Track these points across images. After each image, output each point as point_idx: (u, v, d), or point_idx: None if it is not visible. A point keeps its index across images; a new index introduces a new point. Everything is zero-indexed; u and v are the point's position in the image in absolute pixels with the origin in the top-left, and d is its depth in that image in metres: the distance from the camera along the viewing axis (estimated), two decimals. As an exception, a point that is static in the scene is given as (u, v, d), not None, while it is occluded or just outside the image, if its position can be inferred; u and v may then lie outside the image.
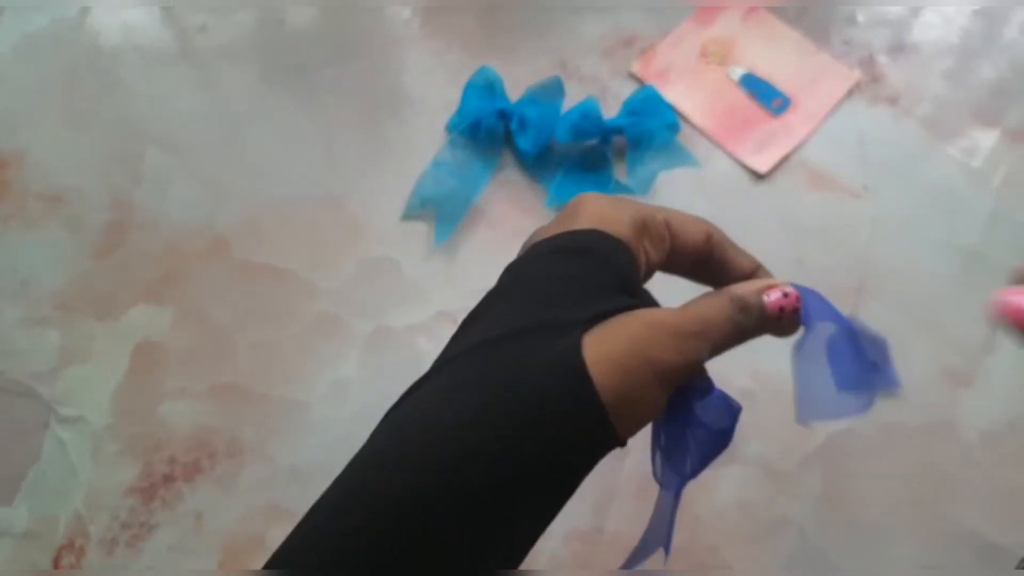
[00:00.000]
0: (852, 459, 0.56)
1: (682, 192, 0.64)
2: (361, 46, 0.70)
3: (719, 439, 0.26)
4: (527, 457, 0.22)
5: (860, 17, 0.69)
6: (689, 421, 0.26)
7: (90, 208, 0.65)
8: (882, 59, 0.68)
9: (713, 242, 0.28)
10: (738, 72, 0.68)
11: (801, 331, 0.26)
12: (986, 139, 0.64)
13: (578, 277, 0.25)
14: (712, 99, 0.67)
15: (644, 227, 0.27)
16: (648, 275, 0.28)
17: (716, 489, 0.55)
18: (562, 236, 0.26)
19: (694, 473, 0.26)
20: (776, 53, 0.68)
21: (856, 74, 0.67)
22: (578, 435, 0.23)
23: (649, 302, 0.27)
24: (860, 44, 0.68)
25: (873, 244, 0.62)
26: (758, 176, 0.64)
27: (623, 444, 0.24)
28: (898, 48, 0.68)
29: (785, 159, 0.64)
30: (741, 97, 0.67)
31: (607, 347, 0.23)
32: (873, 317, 0.59)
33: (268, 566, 0.23)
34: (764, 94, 0.67)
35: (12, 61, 0.70)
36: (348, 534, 0.22)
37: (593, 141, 0.64)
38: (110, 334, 0.60)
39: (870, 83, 0.67)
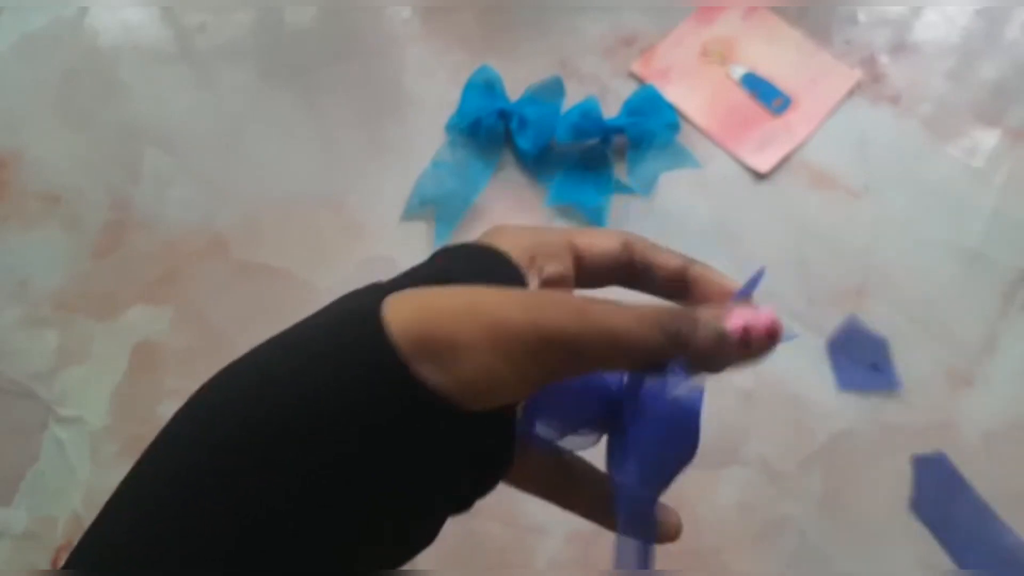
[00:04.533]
0: (853, 460, 0.55)
1: (683, 192, 0.63)
2: (361, 45, 0.70)
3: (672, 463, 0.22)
4: (309, 417, 0.18)
5: (861, 17, 0.69)
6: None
7: (89, 208, 0.64)
8: (883, 59, 0.67)
9: (632, 248, 0.26)
10: (739, 71, 0.68)
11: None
12: (987, 139, 0.64)
13: (424, 267, 0.23)
14: (713, 99, 0.67)
15: (539, 244, 0.25)
16: (578, 283, 0.26)
17: (716, 490, 0.55)
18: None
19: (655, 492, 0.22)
20: (777, 52, 0.68)
21: (857, 74, 0.67)
22: (371, 382, 0.19)
23: None
24: (861, 44, 0.68)
25: (874, 244, 0.61)
26: (759, 176, 0.64)
27: (465, 414, 0.19)
28: (899, 48, 0.68)
29: (786, 159, 0.64)
30: (742, 97, 0.67)
31: (418, 295, 0.20)
32: (873, 317, 0.59)
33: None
34: (765, 94, 0.66)
35: (11, 61, 0.70)
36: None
37: (593, 141, 0.64)
38: (109, 334, 0.60)
39: (871, 83, 0.67)
